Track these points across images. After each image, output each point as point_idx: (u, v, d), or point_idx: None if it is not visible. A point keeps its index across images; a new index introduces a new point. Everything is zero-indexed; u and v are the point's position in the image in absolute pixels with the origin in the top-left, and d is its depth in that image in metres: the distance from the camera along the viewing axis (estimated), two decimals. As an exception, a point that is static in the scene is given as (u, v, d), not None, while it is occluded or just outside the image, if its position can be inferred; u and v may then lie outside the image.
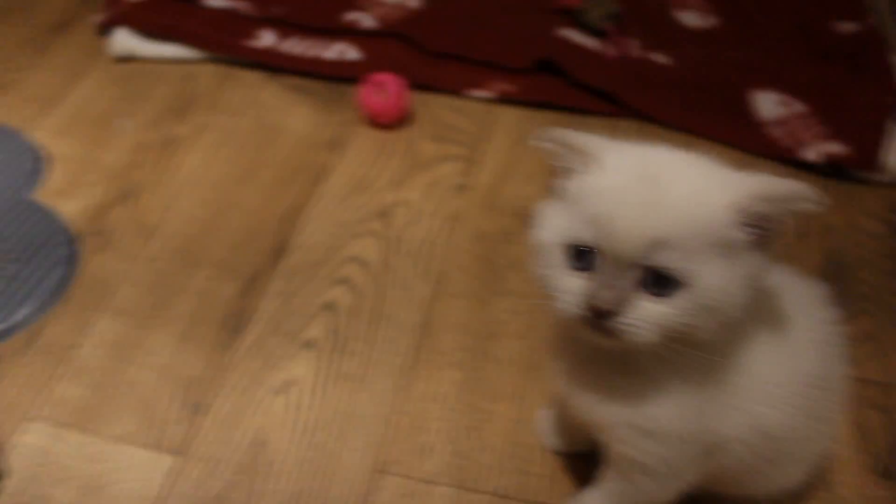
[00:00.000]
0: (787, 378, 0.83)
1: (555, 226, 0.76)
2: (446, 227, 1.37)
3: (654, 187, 0.71)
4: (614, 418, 0.82)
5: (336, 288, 1.26)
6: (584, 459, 1.03)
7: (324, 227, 1.35)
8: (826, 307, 0.90)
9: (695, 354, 0.75)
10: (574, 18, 1.76)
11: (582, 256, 0.74)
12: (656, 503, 0.91)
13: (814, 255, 1.38)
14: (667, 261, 0.70)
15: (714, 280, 0.71)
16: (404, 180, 1.45)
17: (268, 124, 1.54)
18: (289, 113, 1.57)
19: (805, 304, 0.89)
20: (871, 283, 1.34)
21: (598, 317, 0.72)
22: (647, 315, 0.72)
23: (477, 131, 1.55)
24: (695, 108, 1.60)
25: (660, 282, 0.71)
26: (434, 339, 1.20)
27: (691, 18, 1.85)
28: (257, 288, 1.25)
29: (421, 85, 1.62)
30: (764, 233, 0.72)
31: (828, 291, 0.92)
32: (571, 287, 0.74)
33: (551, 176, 0.79)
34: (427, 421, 1.10)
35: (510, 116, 1.59)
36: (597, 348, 0.79)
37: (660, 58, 1.69)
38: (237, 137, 1.51)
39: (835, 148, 1.54)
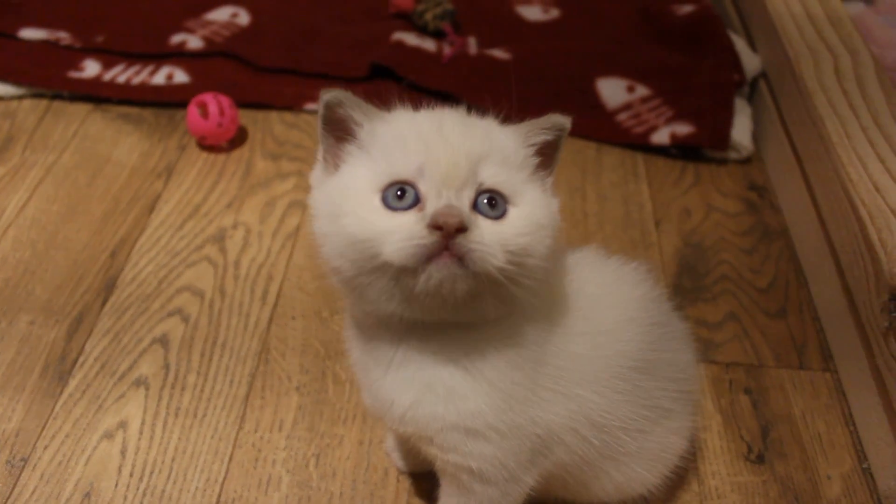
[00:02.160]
0: (604, 360, 0.82)
1: (357, 177, 0.73)
2: (285, 246, 1.32)
3: (461, 116, 0.77)
4: (436, 422, 0.79)
5: (168, 320, 1.20)
6: (436, 476, 0.99)
7: (156, 258, 1.29)
8: (646, 286, 0.89)
9: (521, 315, 0.77)
10: (410, 21, 1.74)
11: (402, 196, 0.70)
12: None
13: (672, 238, 1.39)
14: (495, 177, 0.72)
15: (535, 197, 0.75)
16: (240, 202, 1.40)
17: (95, 157, 1.47)
18: (117, 143, 1.50)
19: (622, 284, 0.88)
20: (732, 262, 1.36)
21: (447, 237, 0.67)
22: (491, 235, 0.69)
23: (313, 145, 1.51)
24: (539, 101, 1.59)
25: (491, 204, 0.71)
26: (273, 365, 1.15)
27: (533, 13, 1.86)
28: (84, 328, 1.18)
29: (255, 103, 1.57)
30: (543, 154, 0.78)
31: (647, 270, 0.91)
32: (401, 224, 0.69)
33: (321, 145, 0.78)
34: (269, 452, 1.05)
35: (349, 127, 1.55)
36: (416, 333, 0.76)
37: (499, 54, 1.68)
38: (62, 173, 1.43)
39: (684, 129, 1.55)
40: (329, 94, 0.74)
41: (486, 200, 0.71)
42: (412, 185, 0.71)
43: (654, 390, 0.86)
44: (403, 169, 0.71)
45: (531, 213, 0.73)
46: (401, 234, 0.68)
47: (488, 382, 0.77)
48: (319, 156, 0.78)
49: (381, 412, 0.82)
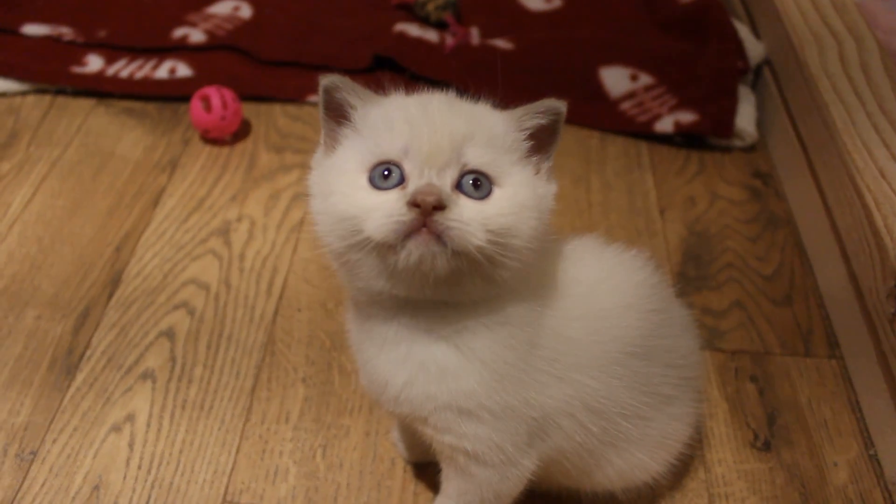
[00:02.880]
0: (601, 346, 0.82)
1: (347, 158, 0.75)
2: (290, 238, 1.32)
3: (448, 99, 0.78)
4: (429, 402, 0.79)
5: (174, 314, 1.20)
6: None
7: (162, 251, 1.29)
8: (646, 273, 0.89)
9: (510, 291, 0.77)
10: (412, 13, 1.73)
11: (388, 176, 0.72)
12: (504, 496, 0.88)
13: (677, 227, 1.39)
14: (479, 158, 0.73)
15: (521, 179, 0.75)
16: (244, 195, 1.40)
17: (99, 152, 1.47)
18: (121, 138, 1.50)
19: (621, 270, 0.87)
20: (737, 250, 1.35)
21: (425, 214, 0.68)
22: (472, 214, 0.70)
23: (317, 138, 1.49)
24: (543, 91, 1.57)
25: (475, 184, 0.73)
26: (279, 357, 1.15)
27: (535, 2, 1.85)
28: (90, 323, 1.18)
29: (258, 96, 1.57)
30: (536, 137, 0.78)
31: (646, 257, 0.91)
32: (383, 202, 0.71)
33: (322, 128, 0.79)
34: (276, 443, 1.06)
35: (353, 119, 1.55)
36: (408, 311, 0.77)
37: (502, 44, 1.68)
38: (66, 168, 1.43)
39: (688, 117, 1.55)
40: (327, 79, 0.77)
41: (470, 181, 0.73)
42: (398, 165, 0.72)
43: (654, 377, 0.86)
44: (389, 149, 0.73)
45: (515, 193, 0.74)
46: (382, 211, 0.70)
47: (480, 362, 0.78)
48: (322, 137, 0.80)
49: (377, 393, 0.83)
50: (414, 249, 0.70)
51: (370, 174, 0.73)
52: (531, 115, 0.78)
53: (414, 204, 0.69)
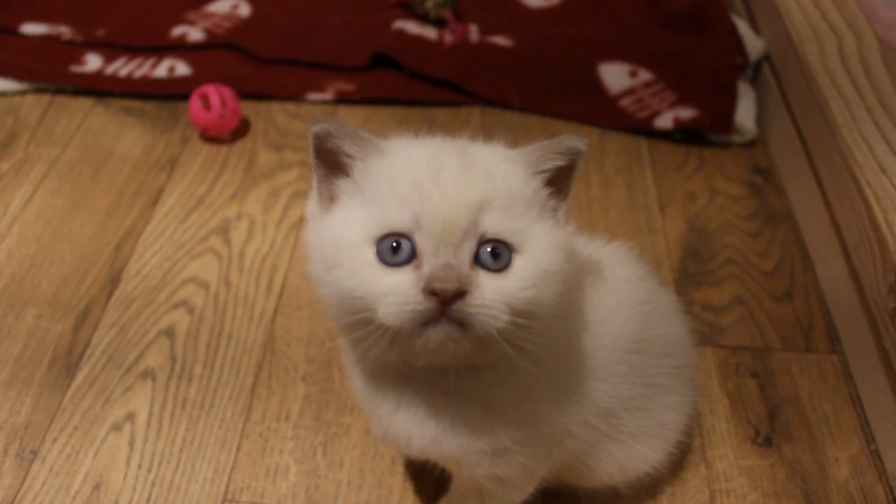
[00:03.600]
0: (604, 349, 0.81)
1: (350, 225, 0.68)
2: (289, 236, 1.32)
3: (461, 153, 0.69)
4: (460, 451, 0.76)
5: (174, 312, 1.20)
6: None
7: (161, 250, 1.29)
8: (631, 266, 0.89)
9: (538, 352, 0.70)
10: (410, 10, 1.73)
11: (398, 250, 0.66)
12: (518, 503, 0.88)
13: (677, 223, 1.38)
14: (497, 226, 0.66)
15: (544, 241, 0.69)
16: (243, 193, 1.39)
17: (98, 151, 1.47)
18: (120, 137, 1.50)
19: (608, 266, 0.86)
20: (737, 246, 1.35)
21: (445, 303, 0.63)
22: (493, 293, 0.65)
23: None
24: (543, 88, 1.59)
25: (494, 255, 0.66)
26: (279, 355, 1.15)
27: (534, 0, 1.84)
28: (90, 322, 1.18)
29: (257, 94, 1.57)
30: (556, 181, 0.72)
31: (633, 250, 0.90)
32: (395, 285, 0.64)
33: (315, 178, 0.74)
34: (277, 441, 1.06)
35: (352, 116, 1.56)
36: (426, 375, 0.72)
37: (501, 41, 1.68)
38: (65, 168, 1.43)
39: (687, 113, 1.55)
40: (318, 126, 0.70)
41: (489, 250, 0.66)
42: (408, 238, 0.66)
43: (651, 367, 0.86)
44: (398, 220, 0.66)
45: (539, 260, 0.68)
46: (395, 297, 0.64)
47: (515, 412, 0.75)
48: (315, 184, 0.73)
49: (395, 445, 0.80)
50: (433, 337, 0.64)
51: (377, 247, 0.66)
52: (549, 155, 0.71)
53: (432, 291, 0.63)
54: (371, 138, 0.71)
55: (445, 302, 0.63)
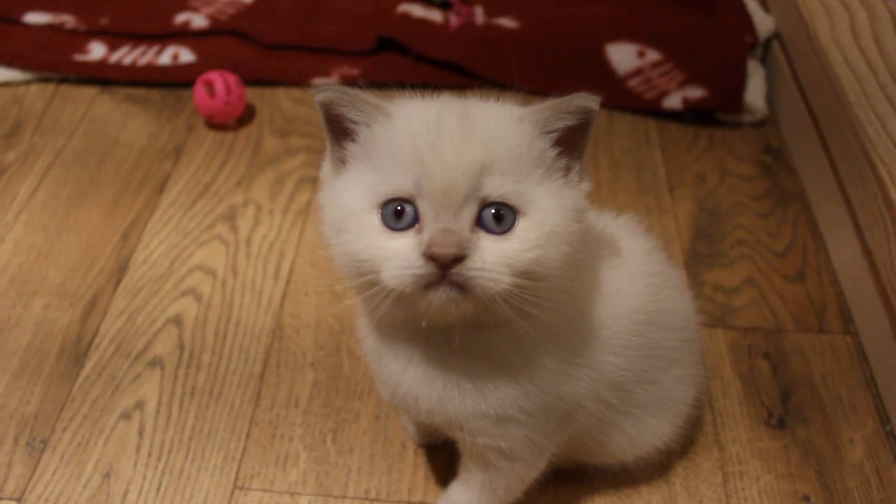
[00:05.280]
0: (617, 321, 0.81)
1: (357, 190, 0.69)
2: (296, 222, 1.31)
3: (462, 116, 0.68)
4: (465, 413, 0.76)
5: (181, 300, 1.19)
6: (454, 448, 0.98)
7: (168, 238, 1.29)
8: (641, 239, 0.88)
9: (542, 315, 0.70)
10: (415, -7, 1.72)
11: (401, 214, 0.67)
12: (527, 481, 0.87)
13: (687, 204, 1.37)
14: (499, 188, 0.66)
15: (549, 202, 0.68)
16: (250, 180, 1.39)
17: (103, 139, 1.46)
18: (125, 125, 1.49)
19: (619, 239, 0.86)
20: (748, 227, 1.34)
21: (444, 267, 0.64)
22: (495, 255, 0.65)
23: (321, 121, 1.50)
24: (549, 69, 1.58)
25: (497, 218, 0.66)
26: (287, 342, 1.14)
27: (538, -20, 1.82)
28: (98, 311, 1.18)
29: (261, 80, 1.56)
30: (567, 140, 0.71)
31: (640, 223, 0.90)
32: (398, 250, 0.66)
33: (327, 142, 0.74)
34: (286, 428, 1.05)
35: (358, 102, 1.54)
36: (434, 333, 0.72)
37: (507, 22, 1.66)
38: (71, 157, 1.42)
39: (696, 93, 1.53)
40: (322, 94, 0.70)
41: (492, 213, 0.66)
42: (411, 202, 0.67)
43: (661, 340, 0.85)
44: (400, 186, 0.67)
45: (543, 222, 0.67)
46: (398, 261, 0.65)
47: (519, 372, 0.75)
48: (328, 148, 0.75)
49: (403, 406, 0.80)
50: (435, 300, 0.65)
51: (381, 212, 0.67)
52: (558, 115, 0.70)
53: (431, 257, 0.64)
54: (377, 102, 0.71)
55: (445, 266, 0.64)
